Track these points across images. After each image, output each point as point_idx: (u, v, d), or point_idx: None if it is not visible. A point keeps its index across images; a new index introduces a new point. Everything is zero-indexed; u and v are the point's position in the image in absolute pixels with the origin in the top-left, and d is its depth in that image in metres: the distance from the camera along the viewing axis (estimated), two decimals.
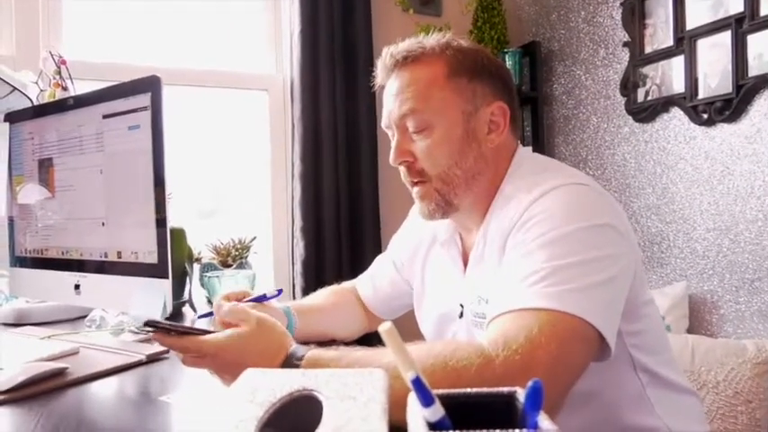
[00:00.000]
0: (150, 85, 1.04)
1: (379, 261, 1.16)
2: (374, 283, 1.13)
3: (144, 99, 1.05)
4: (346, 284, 1.20)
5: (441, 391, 0.40)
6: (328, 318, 1.08)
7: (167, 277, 1.05)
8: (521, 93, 2.24)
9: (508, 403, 0.41)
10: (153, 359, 1.00)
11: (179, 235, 1.51)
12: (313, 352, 0.68)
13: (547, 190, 0.76)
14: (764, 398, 1.40)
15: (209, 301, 1.57)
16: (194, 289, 1.53)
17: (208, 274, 1.55)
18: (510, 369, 0.60)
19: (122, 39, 2.00)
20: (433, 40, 0.86)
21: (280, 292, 0.97)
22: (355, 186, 2.11)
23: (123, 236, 1.11)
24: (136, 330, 1.19)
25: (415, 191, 0.89)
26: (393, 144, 0.87)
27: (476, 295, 0.85)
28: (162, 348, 1.02)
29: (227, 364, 0.71)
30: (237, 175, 2.24)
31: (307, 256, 2.03)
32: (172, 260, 1.46)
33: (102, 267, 1.15)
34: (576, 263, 0.68)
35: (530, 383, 0.36)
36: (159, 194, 1.04)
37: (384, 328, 0.38)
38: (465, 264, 0.91)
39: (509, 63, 2.21)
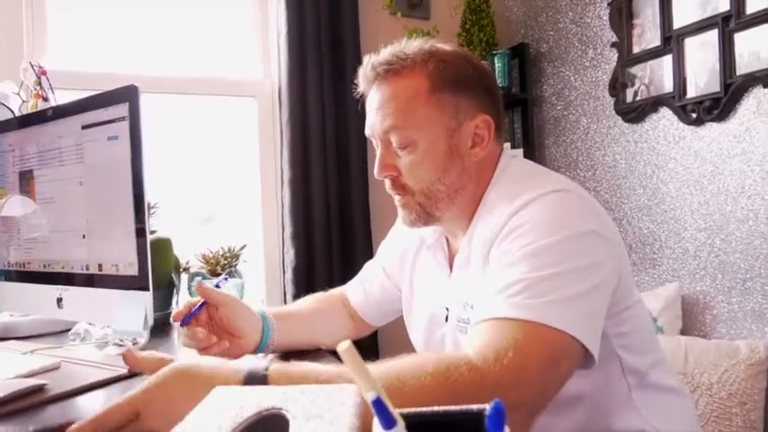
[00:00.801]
0: (127, 95, 1.03)
1: (368, 266, 1.15)
2: (364, 287, 1.11)
3: (122, 109, 1.04)
4: (335, 291, 1.18)
5: (406, 411, 0.39)
6: (310, 325, 1.05)
7: (148, 289, 1.03)
8: (510, 95, 2.23)
9: (477, 421, 0.40)
10: (135, 373, 0.99)
11: (165, 245, 1.49)
12: (277, 366, 0.62)
13: (529, 200, 0.75)
14: (759, 399, 1.38)
15: None
16: (182, 299, 1.51)
17: (195, 284, 1.53)
18: (501, 383, 0.60)
19: (109, 48, 1.99)
20: (415, 47, 0.84)
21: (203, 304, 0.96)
22: (345, 191, 2.10)
23: (104, 248, 1.10)
24: (120, 343, 1.17)
25: (397, 199, 0.88)
26: (377, 157, 0.87)
27: (461, 300, 0.84)
28: None
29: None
30: (228, 183, 2.23)
31: (297, 262, 2.01)
32: (158, 270, 1.46)
33: (83, 280, 1.14)
34: (559, 273, 0.68)
35: (492, 404, 0.34)
36: (139, 205, 1.03)
37: (342, 348, 0.37)
38: (451, 267, 0.90)
39: (498, 65, 2.20)
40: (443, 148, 0.83)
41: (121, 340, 1.17)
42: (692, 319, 1.68)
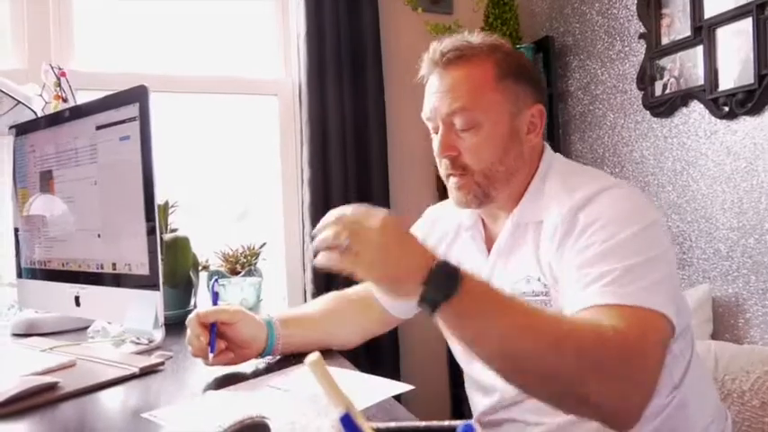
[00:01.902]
0: (138, 96, 1.03)
1: None
2: None
3: (132, 109, 1.05)
4: (355, 288, 1.17)
5: (379, 426, 0.37)
6: (320, 326, 1.07)
7: (158, 288, 1.04)
8: None
9: None
10: (146, 372, 0.99)
11: (183, 243, 1.50)
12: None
13: (593, 194, 0.82)
14: None
15: None
16: (201, 297, 1.52)
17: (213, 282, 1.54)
18: (644, 350, 0.67)
19: (133, 48, 2.02)
20: (479, 39, 0.91)
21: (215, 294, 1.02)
22: (365, 191, 2.08)
23: (117, 247, 1.11)
24: (137, 341, 1.18)
25: (452, 181, 0.92)
26: (438, 138, 0.91)
27: (516, 277, 0.89)
28: (156, 361, 1.01)
29: (384, 248, 0.66)
30: (252, 181, 2.24)
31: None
32: (176, 269, 1.47)
33: (98, 279, 1.15)
34: (641, 263, 0.74)
35: (462, 425, 0.32)
36: (149, 204, 1.04)
37: (310, 360, 0.35)
38: (488, 248, 0.96)
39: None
40: (505, 131, 0.89)
41: (138, 338, 1.18)
42: (723, 323, 1.61)
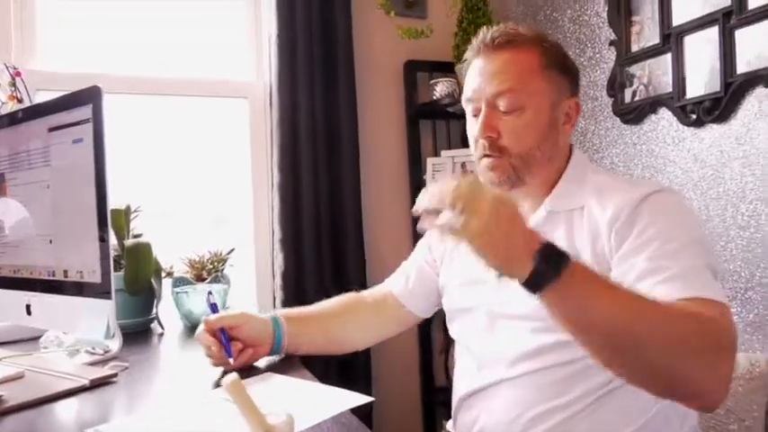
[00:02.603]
0: (91, 97, 1.00)
1: (406, 262, 1.21)
2: (407, 275, 1.16)
3: (85, 111, 1.01)
4: (375, 289, 1.22)
5: None
6: (326, 326, 1.09)
7: (110, 297, 1.00)
8: None
9: None
10: (97, 384, 0.95)
11: (145, 249, 1.46)
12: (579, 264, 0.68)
13: (655, 191, 0.85)
14: (759, 416, 1.32)
15: (182, 318, 1.52)
16: (165, 305, 1.48)
17: (177, 289, 1.50)
18: (729, 334, 0.70)
19: (99, 48, 1.97)
20: (527, 29, 0.95)
21: (209, 293, 1.03)
22: (336, 195, 2.06)
23: (69, 254, 1.07)
24: (92, 351, 1.14)
25: (486, 161, 0.93)
26: (481, 118, 0.92)
27: None
28: (108, 372, 0.97)
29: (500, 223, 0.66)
30: (224, 186, 2.20)
31: (286, 268, 1.97)
32: (137, 276, 1.42)
33: (50, 287, 1.11)
34: (707, 265, 0.78)
35: None
36: (102, 210, 1.00)
37: (227, 381, 0.33)
38: None
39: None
40: (546, 118, 0.92)
41: (93, 348, 1.13)
42: None
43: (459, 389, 1.03)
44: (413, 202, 2.47)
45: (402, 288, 1.16)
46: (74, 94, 1.03)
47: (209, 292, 1.04)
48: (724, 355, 0.69)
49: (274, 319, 1.01)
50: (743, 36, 1.45)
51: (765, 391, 1.37)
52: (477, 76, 0.93)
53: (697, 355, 0.67)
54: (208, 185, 2.15)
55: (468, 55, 0.97)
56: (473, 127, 0.95)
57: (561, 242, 0.89)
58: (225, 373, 0.95)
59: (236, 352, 0.95)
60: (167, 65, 2.04)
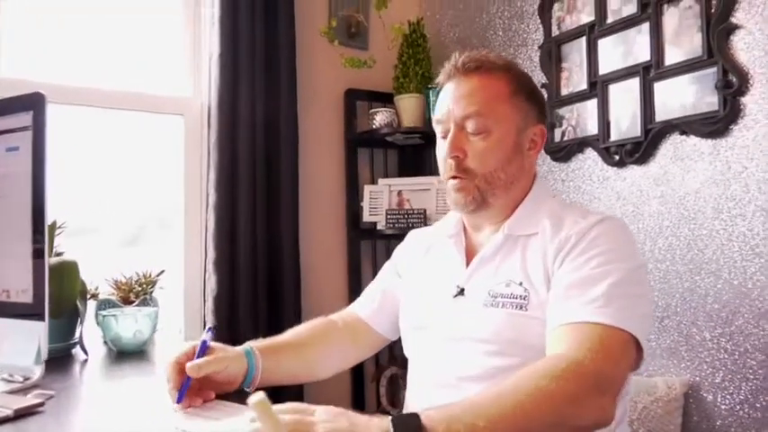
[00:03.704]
0: (32, 104, 0.93)
1: (372, 284, 1.22)
2: (373, 297, 1.17)
3: (25, 118, 0.94)
4: (341, 313, 1.19)
5: None
6: (302, 355, 1.05)
7: (43, 319, 0.93)
8: None
9: None
10: (22, 414, 0.87)
11: (71, 268, 1.36)
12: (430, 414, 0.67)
13: (600, 221, 0.90)
14: None
15: (105, 342, 1.43)
16: (88, 329, 1.38)
17: (103, 312, 1.40)
18: (602, 371, 0.75)
19: (29, 54, 1.84)
20: (497, 56, 1.00)
21: (210, 329, 0.94)
22: (274, 219, 2.03)
23: None
24: (9, 379, 1.04)
25: (453, 183, 0.96)
26: (448, 138, 0.96)
27: (498, 280, 0.94)
28: (35, 401, 0.89)
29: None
30: (150, 204, 2.10)
31: (219, 291, 1.90)
32: (61, 297, 1.32)
33: None
34: (629, 294, 0.83)
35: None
36: (37, 224, 0.93)
37: (255, 399, 0.32)
38: (467, 255, 1.02)
39: (433, 99, 2.22)
40: (512, 142, 0.96)
41: (11, 375, 1.03)
42: None
43: (410, 407, 1.03)
44: (349, 230, 2.50)
45: (370, 311, 1.16)
46: (12, 100, 0.96)
47: (210, 329, 0.95)
48: (596, 394, 0.74)
49: (248, 353, 0.95)
50: (660, 88, 1.60)
51: (680, 411, 1.48)
52: (448, 99, 0.97)
53: (577, 413, 0.72)
54: (132, 203, 2.05)
55: (440, 79, 1.01)
56: (442, 148, 0.98)
57: (515, 266, 0.94)
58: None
59: (196, 400, 0.86)
60: (103, 77, 1.94)
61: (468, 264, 1.00)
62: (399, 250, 1.21)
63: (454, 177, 0.96)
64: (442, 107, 0.98)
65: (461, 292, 0.98)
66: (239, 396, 0.93)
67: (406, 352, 1.09)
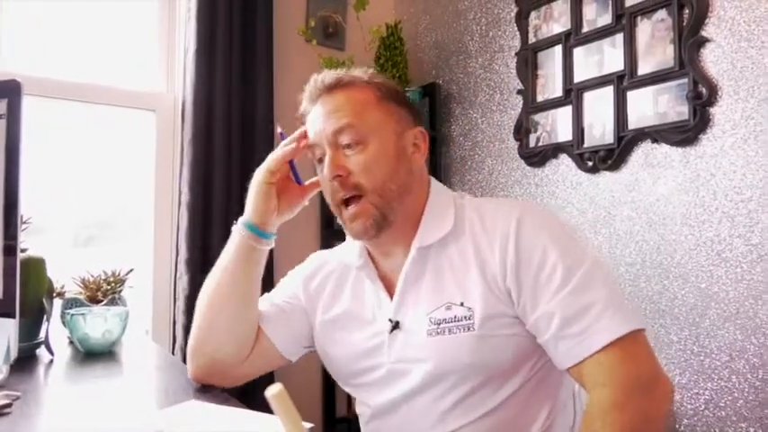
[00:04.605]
0: (7, 91, 0.90)
1: (275, 299, 1.06)
2: (272, 300, 1.05)
3: None
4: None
5: None
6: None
7: (14, 316, 0.89)
8: None
9: None
10: None
11: (37, 265, 1.31)
12: None
13: (517, 219, 0.85)
14: None
15: (72, 342, 1.38)
16: (54, 328, 1.33)
17: (71, 311, 1.35)
18: (658, 397, 0.75)
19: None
20: (358, 72, 0.94)
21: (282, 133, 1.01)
22: None
23: None
24: None
25: (348, 212, 0.90)
26: (326, 160, 0.89)
27: (433, 306, 0.88)
28: (2, 402, 0.85)
29: None
30: (119, 201, 2.04)
31: (191, 291, 1.86)
32: (28, 295, 1.27)
33: None
34: (605, 294, 0.80)
35: None
36: (9, 218, 0.89)
37: (273, 391, 0.31)
38: (385, 283, 0.94)
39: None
40: (392, 149, 0.90)
41: None
42: None
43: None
44: (324, 227, 2.47)
45: (269, 311, 1.02)
46: None
47: (281, 133, 1.02)
48: (658, 394, 0.76)
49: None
50: (633, 97, 1.64)
51: None
52: (316, 120, 0.92)
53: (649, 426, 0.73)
54: (98, 199, 1.99)
55: (303, 106, 0.96)
56: (322, 173, 0.91)
57: (449, 284, 0.88)
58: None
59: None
60: (73, 69, 1.88)
61: (391, 293, 0.93)
62: (305, 282, 1.04)
63: (345, 202, 0.89)
64: (312, 129, 0.92)
65: (397, 325, 0.90)
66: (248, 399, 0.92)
67: (360, 408, 1.01)
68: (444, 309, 0.87)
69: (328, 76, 0.92)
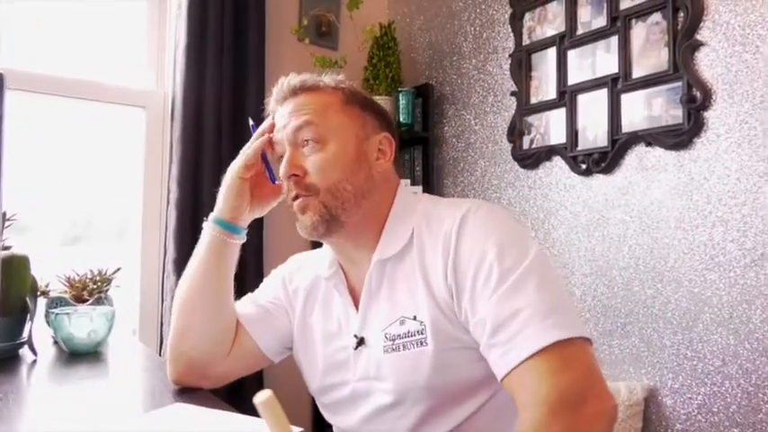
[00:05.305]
0: None
1: (258, 299, 1.05)
2: (255, 301, 1.03)
3: None
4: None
5: None
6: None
7: None
8: (412, 132, 2.25)
9: None
10: None
11: (21, 263, 1.28)
12: None
13: (467, 210, 0.83)
14: None
15: (56, 342, 1.35)
16: (37, 328, 1.30)
17: (55, 311, 1.32)
18: (599, 411, 0.69)
19: None
20: (327, 78, 0.93)
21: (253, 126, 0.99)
22: None
23: None
24: None
25: (296, 204, 0.88)
26: (285, 158, 0.88)
27: (391, 319, 0.85)
28: None
29: None
30: (107, 199, 2.01)
31: None
32: (11, 293, 1.24)
33: None
34: (549, 296, 0.75)
35: None
36: None
37: (261, 397, 0.29)
38: (353, 296, 0.91)
39: (402, 102, 2.22)
40: (353, 152, 0.88)
41: None
42: None
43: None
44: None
45: (250, 312, 1.01)
46: None
47: (252, 125, 0.99)
48: (594, 408, 0.68)
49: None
50: (627, 100, 1.64)
51: (641, 416, 1.52)
52: (280, 119, 0.91)
53: None
54: (89, 197, 1.96)
55: (271, 106, 0.95)
56: (281, 169, 0.90)
57: (403, 297, 0.84)
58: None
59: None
60: (61, 64, 1.85)
61: (357, 307, 0.90)
62: (284, 283, 1.03)
63: (296, 198, 0.88)
64: (276, 132, 0.92)
65: (362, 341, 0.88)
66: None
67: (319, 406, 1.00)
68: (398, 323, 0.84)
69: (294, 78, 0.92)
